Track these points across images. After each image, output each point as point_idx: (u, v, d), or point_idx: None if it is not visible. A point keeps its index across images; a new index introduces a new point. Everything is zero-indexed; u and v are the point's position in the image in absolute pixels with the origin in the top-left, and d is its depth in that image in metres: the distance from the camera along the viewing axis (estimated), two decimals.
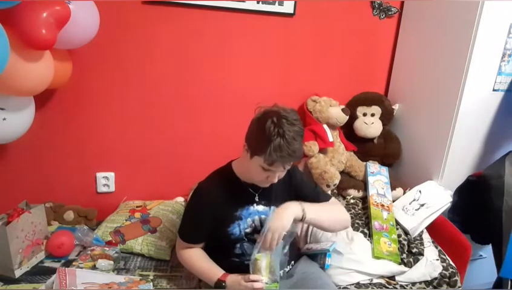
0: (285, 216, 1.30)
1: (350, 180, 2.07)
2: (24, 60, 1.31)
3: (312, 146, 1.98)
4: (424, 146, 2.08)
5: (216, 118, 2.07)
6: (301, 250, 1.68)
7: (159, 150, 2.03)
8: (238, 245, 1.41)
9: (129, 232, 1.73)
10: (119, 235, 1.72)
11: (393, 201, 1.96)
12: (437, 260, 1.71)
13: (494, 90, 1.87)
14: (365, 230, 1.80)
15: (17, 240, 1.48)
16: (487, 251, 2.02)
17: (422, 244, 1.78)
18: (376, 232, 1.76)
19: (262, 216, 1.41)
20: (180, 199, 2.02)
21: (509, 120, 1.93)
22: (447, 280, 1.67)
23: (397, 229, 1.81)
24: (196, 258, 1.42)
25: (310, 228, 1.75)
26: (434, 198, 1.89)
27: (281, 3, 1.97)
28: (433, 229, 1.87)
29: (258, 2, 1.94)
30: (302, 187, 1.50)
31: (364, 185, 2.04)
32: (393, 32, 2.26)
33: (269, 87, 2.11)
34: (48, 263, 1.60)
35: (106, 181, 1.99)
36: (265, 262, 1.28)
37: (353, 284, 1.61)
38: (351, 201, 1.99)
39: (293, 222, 1.31)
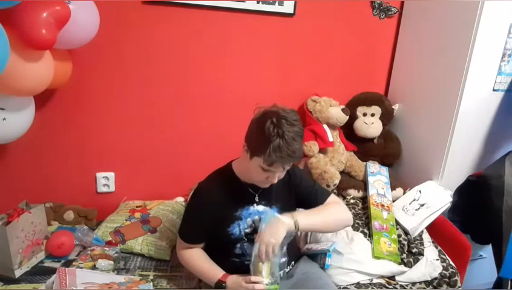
0: (277, 230, 1.28)
1: (350, 180, 2.07)
2: (24, 60, 1.31)
3: (312, 146, 1.98)
4: (424, 146, 2.08)
5: (216, 118, 2.07)
6: (301, 250, 1.67)
7: (159, 150, 2.03)
8: (238, 245, 1.41)
9: (129, 232, 1.73)
10: (119, 235, 1.72)
11: (393, 201, 1.96)
12: (437, 260, 1.71)
13: (494, 90, 1.87)
14: (365, 230, 1.80)
15: (17, 240, 1.48)
16: (487, 251, 2.02)
17: (422, 244, 1.78)
18: (376, 232, 1.76)
19: (262, 216, 1.41)
20: (180, 199, 2.02)
21: (509, 120, 1.93)
22: (447, 280, 1.67)
23: (397, 229, 1.81)
24: (197, 258, 1.42)
25: None
26: (434, 198, 1.89)
27: (281, 3, 1.97)
28: (433, 229, 1.87)
29: (258, 2, 1.94)
30: (301, 186, 1.49)
31: (364, 185, 2.04)
32: (393, 32, 2.26)
33: (268, 87, 2.11)
34: (48, 263, 1.60)
35: (106, 181, 1.99)
36: (265, 264, 1.28)
37: (353, 284, 1.61)
38: (351, 201, 1.99)
39: (286, 234, 1.29)
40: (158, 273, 1.62)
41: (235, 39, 1.99)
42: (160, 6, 1.83)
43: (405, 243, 1.76)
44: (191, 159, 2.08)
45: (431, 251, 1.75)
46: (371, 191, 1.96)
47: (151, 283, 1.49)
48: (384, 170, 2.08)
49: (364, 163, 2.13)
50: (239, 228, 1.39)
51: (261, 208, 1.42)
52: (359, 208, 1.95)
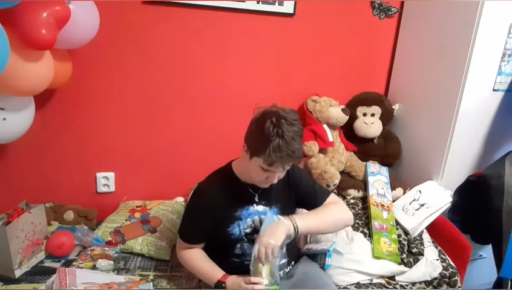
0: (277, 233, 1.28)
1: (350, 180, 2.07)
2: (24, 60, 1.31)
3: (312, 146, 1.98)
4: (424, 146, 2.07)
5: (216, 118, 2.07)
6: (301, 250, 1.67)
7: (159, 150, 2.03)
8: (238, 245, 1.41)
9: (129, 232, 1.73)
10: (119, 235, 1.72)
11: (393, 201, 1.96)
12: (437, 260, 1.71)
13: (494, 90, 1.87)
14: (365, 230, 1.80)
15: (17, 240, 1.48)
16: (487, 251, 2.02)
17: (422, 244, 1.78)
18: (376, 232, 1.76)
19: (262, 216, 1.40)
20: (180, 199, 2.02)
21: (509, 120, 1.93)
22: (447, 280, 1.67)
23: (397, 229, 1.81)
24: (197, 258, 1.42)
25: None
26: (434, 198, 1.89)
27: (281, 3, 1.97)
28: (433, 229, 1.87)
29: (258, 2, 1.94)
30: (300, 186, 1.49)
31: (364, 185, 2.04)
32: (393, 32, 2.26)
33: (268, 87, 2.11)
34: (48, 263, 1.60)
35: (106, 181, 1.99)
36: (265, 265, 1.28)
37: (353, 284, 1.61)
38: (351, 201, 1.99)
39: (285, 237, 1.29)
40: (158, 273, 1.62)
41: (235, 39, 1.99)
42: (160, 6, 1.83)
43: (405, 243, 1.76)
44: (191, 159, 2.08)
45: (431, 251, 1.75)
46: (371, 191, 1.96)
47: (151, 283, 1.49)
48: (384, 170, 2.08)
49: (364, 163, 2.13)
50: (239, 228, 1.39)
51: (260, 208, 1.42)
52: (359, 208, 1.95)
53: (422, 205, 1.88)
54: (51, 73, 1.46)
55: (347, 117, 2.10)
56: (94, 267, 1.55)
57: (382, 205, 1.89)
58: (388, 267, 1.66)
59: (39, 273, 1.53)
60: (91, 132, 1.91)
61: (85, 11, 1.51)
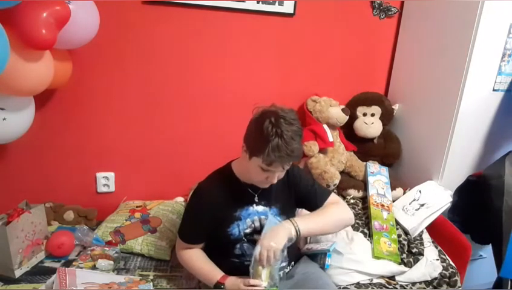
0: (279, 236, 1.27)
1: (350, 180, 2.07)
2: (24, 60, 1.31)
3: (312, 146, 1.98)
4: (424, 146, 2.07)
5: (216, 118, 2.07)
6: (301, 250, 1.67)
7: (159, 150, 2.03)
8: (238, 246, 1.41)
9: (129, 232, 1.73)
10: (119, 235, 1.72)
11: (393, 201, 1.96)
12: (437, 260, 1.71)
13: (494, 90, 1.87)
14: (365, 230, 1.80)
15: (17, 240, 1.48)
16: (487, 251, 2.02)
17: (422, 244, 1.78)
18: (376, 232, 1.76)
19: (262, 217, 1.41)
20: (180, 199, 2.02)
21: (509, 120, 1.93)
22: (447, 280, 1.67)
23: (397, 229, 1.81)
24: (196, 259, 1.42)
25: None
26: (434, 198, 1.89)
27: (281, 3, 1.98)
28: (433, 229, 1.87)
29: (258, 2, 1.94)
30: (300, 185, 1.49)
31: (364, 185, 2.04)
32: (393, 32, 2.26)
33: (268, 87, 2.11)
34: (48, 263, 1.60)
35: (106, 181, 1.99)
36: (265, 268, 1.27)
37: (353, 284, 1.61)
38: (351, 201, 1.99)
39: (287, 240, 1.29)
40: (158, 273, 1.62)
41: (235, 39, 1.99)
42: (160, 6, 1.83)
43: (405, 243, 1.76)
44: (191, 159, 2.08)
45: (431, 251, 1.75)
46: (371, 191, 1.95)
47: (151, 283, 1.49)
48: (384, 170, 2.08)
49: (364, 163, 2.13)
50: (239, 228, 1.39)
51: (260, 208, 1.42)
52: (359, 208, 1.95)
53: (422, 205, 1.88)
54: (51, 73, 1.46)
55: (347, 117, 2.10)
56: (94, 267, 1.55)
57: (382, 205, 1.89)
58: (388, 267, 1.66)
59: (39, 273, 1.53)
60: (91, 132, 1.91)
61: (84, 11, 1.51)
